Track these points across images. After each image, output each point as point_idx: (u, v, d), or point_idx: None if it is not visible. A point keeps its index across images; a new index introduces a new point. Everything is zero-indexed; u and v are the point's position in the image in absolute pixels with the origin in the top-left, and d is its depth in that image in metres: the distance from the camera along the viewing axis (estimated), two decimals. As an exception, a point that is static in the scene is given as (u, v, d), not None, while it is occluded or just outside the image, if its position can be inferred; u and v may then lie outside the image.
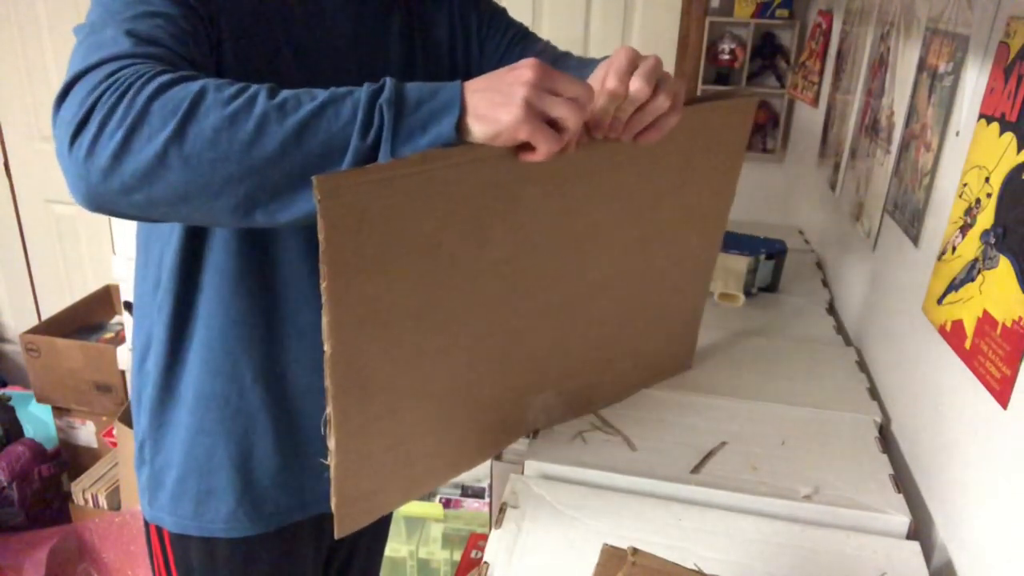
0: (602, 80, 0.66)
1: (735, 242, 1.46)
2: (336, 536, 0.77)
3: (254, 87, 0.60)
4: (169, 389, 0.87)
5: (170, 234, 0.82)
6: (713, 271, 1.09)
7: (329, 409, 0.70)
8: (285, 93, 0.61)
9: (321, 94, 0.61)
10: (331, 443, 0.71)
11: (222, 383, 0.85)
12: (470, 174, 0.67)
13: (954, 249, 0.89)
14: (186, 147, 0.58)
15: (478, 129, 0.61)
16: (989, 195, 0.81)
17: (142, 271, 0.88)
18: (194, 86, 0.59)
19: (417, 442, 0.81)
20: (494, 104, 0.61)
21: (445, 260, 0.72)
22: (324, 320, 0.65)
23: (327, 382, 0.68)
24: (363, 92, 0.61)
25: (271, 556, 0.93)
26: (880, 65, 1.34)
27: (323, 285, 0.63)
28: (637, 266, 0.95)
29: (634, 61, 0.67)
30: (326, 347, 0.66)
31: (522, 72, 0.61)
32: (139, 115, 0.58)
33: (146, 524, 0.93)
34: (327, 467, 0.73)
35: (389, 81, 0.61)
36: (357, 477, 0.76)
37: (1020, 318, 0.72)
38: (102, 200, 0.61)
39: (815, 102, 1.89)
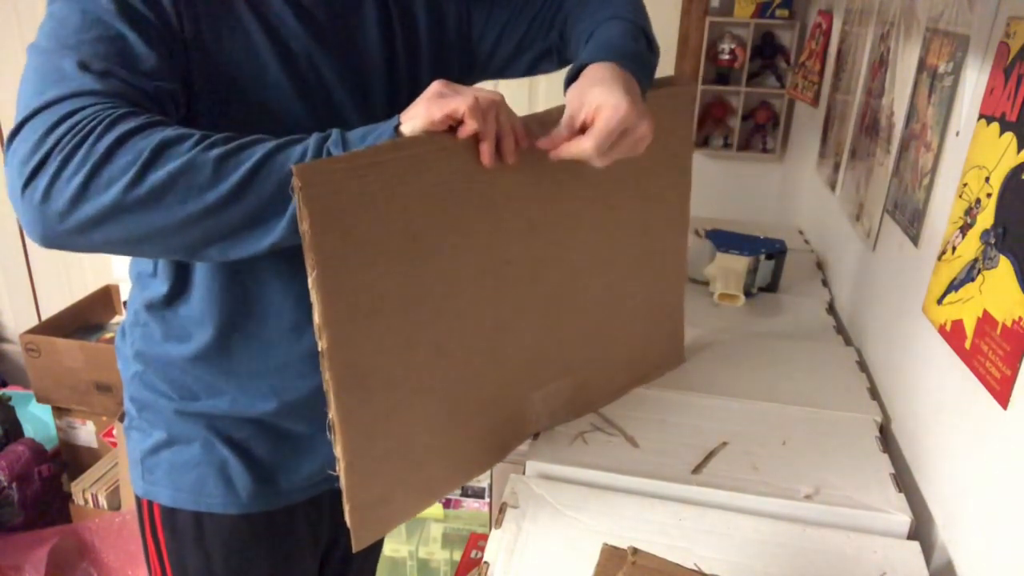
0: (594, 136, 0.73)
1: (735, 242, 1.46)
2: (354, 550, 0.77)
3: (213, 135, 0.63)
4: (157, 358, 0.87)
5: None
6: (686, 261, 1.11)
7: (332, 413, 0.70)
8: (240, 140, 0.64)
9: (272, 141, 0.65)
10: (337, 450, 0.71)
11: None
12: (441, 162, 0.70)
13: (954, 249, 0.89)
14: (145, 193, 0.60)
15: (408, 128, 0.68)
16: (989, 195, 0.81)
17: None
18: (154, 135, 0.61)
19: (423, 443, 0.81)
20: (412, 109, 0.69)
21: (425, 249, 0.73)
22: (316, 314, 0.65)
23: (326, 378, 0.68)
24: (312, 138, 0.66)
25: (266, 538, 0.92)
26: (880, 65, 1.34)
27: (311, 277, 0.64)
28: (611, 255, 0.96)
29: (617, 127, 0.73)
30: (321, 343, 0.66)
31: (428, 88, 0.71)
32: (99, 162, 0.59)
33: (137, 501, 0.92)
34: (336, 478, 0.73)
35: (335, 130, 0.68)
36: (367, 482, 0.76)
37: (1020, 318, 0.72)
38: (59, 240, 0.62)
39: (815, 102, 1.89)
